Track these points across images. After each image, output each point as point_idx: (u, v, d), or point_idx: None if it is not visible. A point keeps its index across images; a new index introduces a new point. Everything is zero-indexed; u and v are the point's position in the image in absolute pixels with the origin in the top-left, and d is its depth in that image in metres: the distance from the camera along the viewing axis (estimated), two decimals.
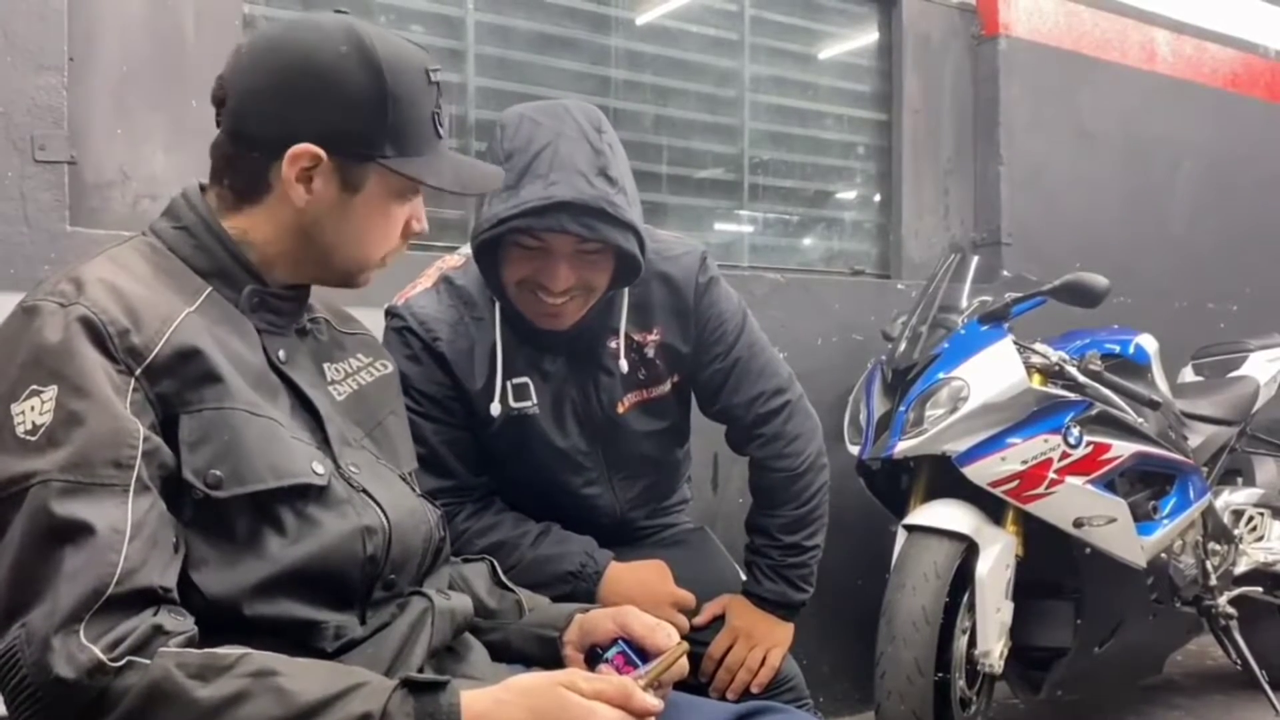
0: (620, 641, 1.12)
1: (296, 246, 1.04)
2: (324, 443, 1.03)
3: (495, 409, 1.51)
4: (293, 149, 0.99)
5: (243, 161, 1.02)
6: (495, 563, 1.29)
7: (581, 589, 1.52)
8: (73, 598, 0.82)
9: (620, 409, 1.60)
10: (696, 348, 1.63)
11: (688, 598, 1.58)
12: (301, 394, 1.04)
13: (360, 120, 1.00)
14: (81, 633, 0.81)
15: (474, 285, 1.55)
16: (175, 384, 0.92)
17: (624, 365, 1.55)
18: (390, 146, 1.01)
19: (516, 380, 1.54)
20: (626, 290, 1.55)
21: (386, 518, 1.03)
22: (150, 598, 0.86)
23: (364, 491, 1.03)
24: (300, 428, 1.02)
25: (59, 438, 0.86)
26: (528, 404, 1.54)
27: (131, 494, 0.86)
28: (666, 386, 1.64)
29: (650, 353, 1.60)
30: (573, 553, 1.55)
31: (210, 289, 1.01)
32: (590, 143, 1.40)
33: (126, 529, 0.85)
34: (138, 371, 0.91)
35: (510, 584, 1.27)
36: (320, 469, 0.99)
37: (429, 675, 0.90)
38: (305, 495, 0.97)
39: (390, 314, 1.56)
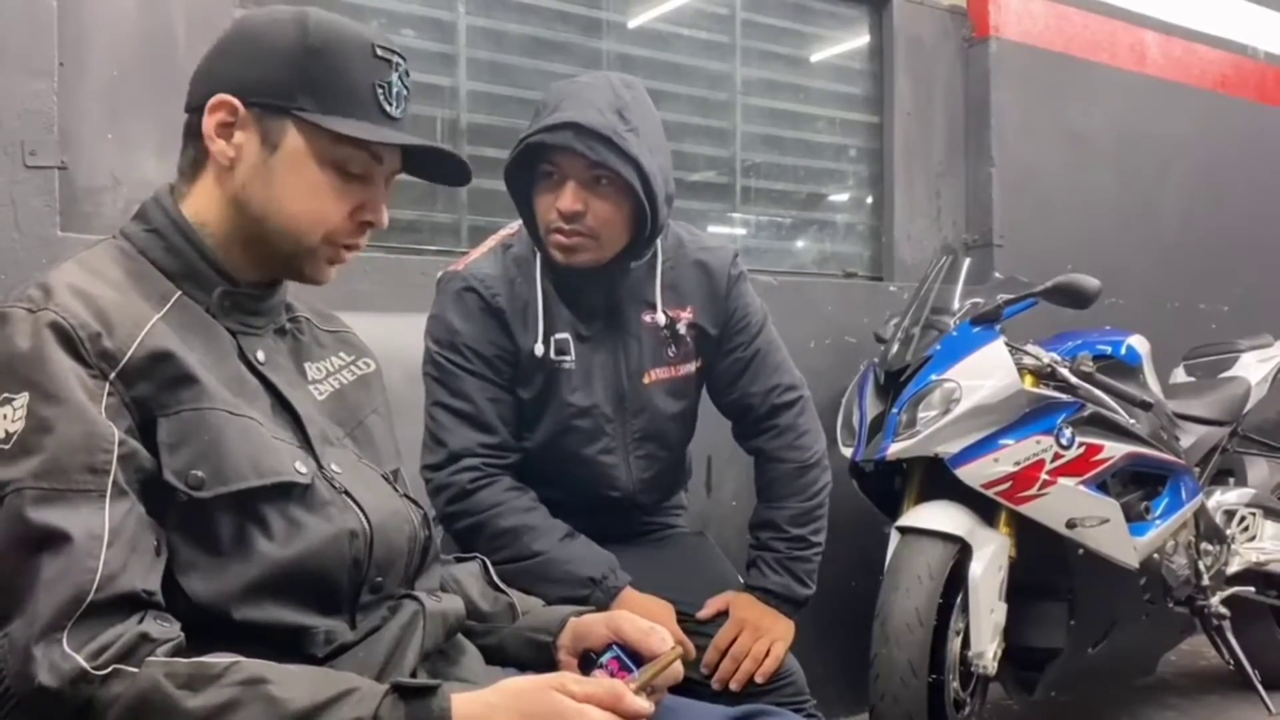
0: (614, 646, 1.11)
1: (237, 223, 1.02)
2: (305, 443, 1.02)
3: (538, 349, 1.60)
4: (211, 100, 1.00)
5: (185, 133, 1.03)
6: (488, 563, 1.29)
7: (596, 598, 1.53)
8: (52, 606, 0.81)
9: (646, 379, 1.68)
10: (722, 334, 1.72)
11: (689, 646, 1.57)
12: (280, 395, 1.03)
13: (274, 68, 1.00)
14: (64, 641, 0.81)
15: (527, 249, 1.65)
16: (151, 387, 0.92)
17: (661, 319, 1.66)
18: (308, 99, 0.99)
19: (558, 335, 1.63)
20: (660, 269, 1.66)
21: (367, 520, 1.02)
22: (134, 603, 0.85)
23: (345, 493, 1.02)
24: (281, 428, 1.01)
25: (31, 445, 0.85)
26: (566, 358, 1.63)
27: (108, 499, 0.86)
28: (691, 368, 1.72)
29: (682, 329, 1.69)
30: (598, 561, 1.57)
31: (180, 294, 1.00)
32: (614, 90, 1.53)
33: (104, 534, 0.84)
34: (112, 375, 0.90)
35: (503, 585, 1.26)
36: (303, 468, 0.98)
37: (420, 679, 0.90)
38: (289, 495, 0.96)
39: (447, 278, 1.64)
